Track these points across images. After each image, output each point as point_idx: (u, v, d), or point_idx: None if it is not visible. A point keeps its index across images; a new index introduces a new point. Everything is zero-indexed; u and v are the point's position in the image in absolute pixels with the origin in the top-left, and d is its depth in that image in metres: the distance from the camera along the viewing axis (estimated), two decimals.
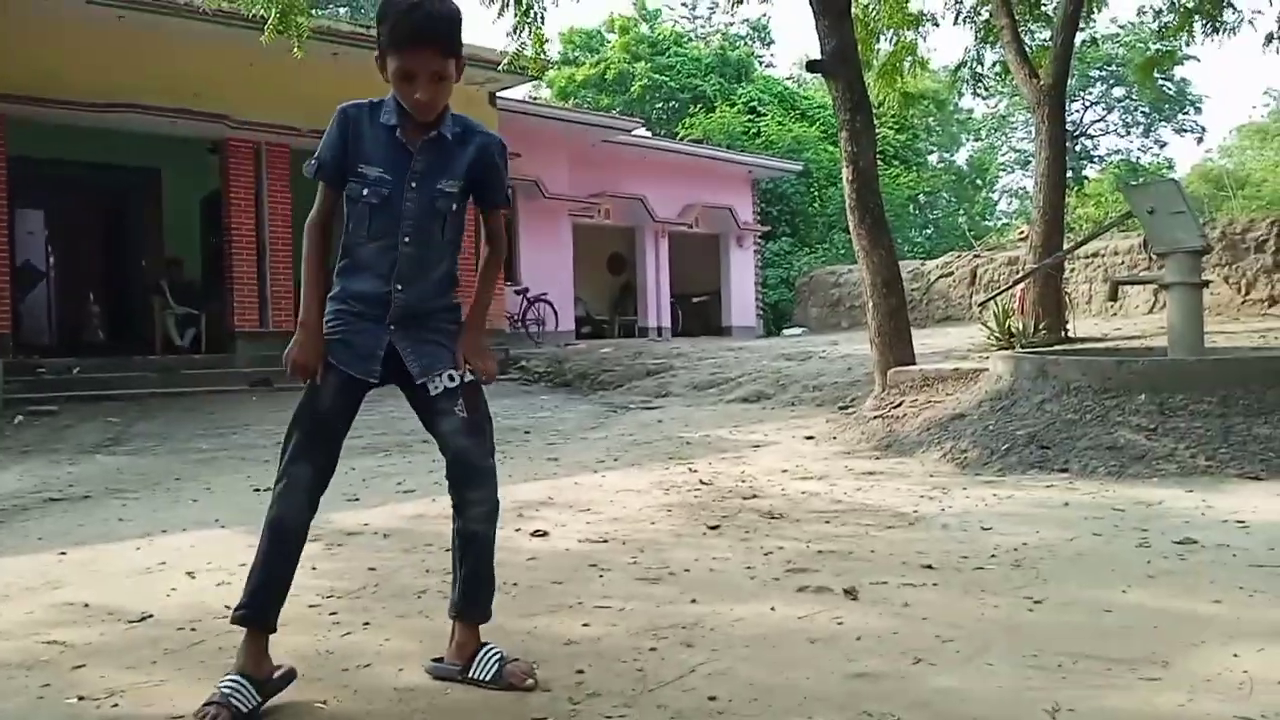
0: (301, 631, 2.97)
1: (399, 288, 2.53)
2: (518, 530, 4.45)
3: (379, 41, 2.51)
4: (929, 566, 3.61)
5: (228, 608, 3.24)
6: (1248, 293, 12.68)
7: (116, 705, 2.43)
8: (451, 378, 2.56)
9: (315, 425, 2.51)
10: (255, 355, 11.53)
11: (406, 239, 2.52)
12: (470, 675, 2.52)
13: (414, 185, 2.51)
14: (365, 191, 2.50)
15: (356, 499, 5.28)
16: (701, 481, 5.65)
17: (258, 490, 5.64)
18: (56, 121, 11.71)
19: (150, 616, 3.20)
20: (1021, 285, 10.99)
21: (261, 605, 2.46)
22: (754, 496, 5.14)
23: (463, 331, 2.62)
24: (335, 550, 4.11)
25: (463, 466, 2.57)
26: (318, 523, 4.66)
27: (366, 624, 3.08)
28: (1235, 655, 2.57)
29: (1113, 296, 9.10)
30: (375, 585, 3.55)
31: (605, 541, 4.20)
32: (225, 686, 2.33)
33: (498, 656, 2.54)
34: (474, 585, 2.62)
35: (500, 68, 11.67)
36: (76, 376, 10.84)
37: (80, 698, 2.49)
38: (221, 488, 5.86)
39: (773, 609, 3.15)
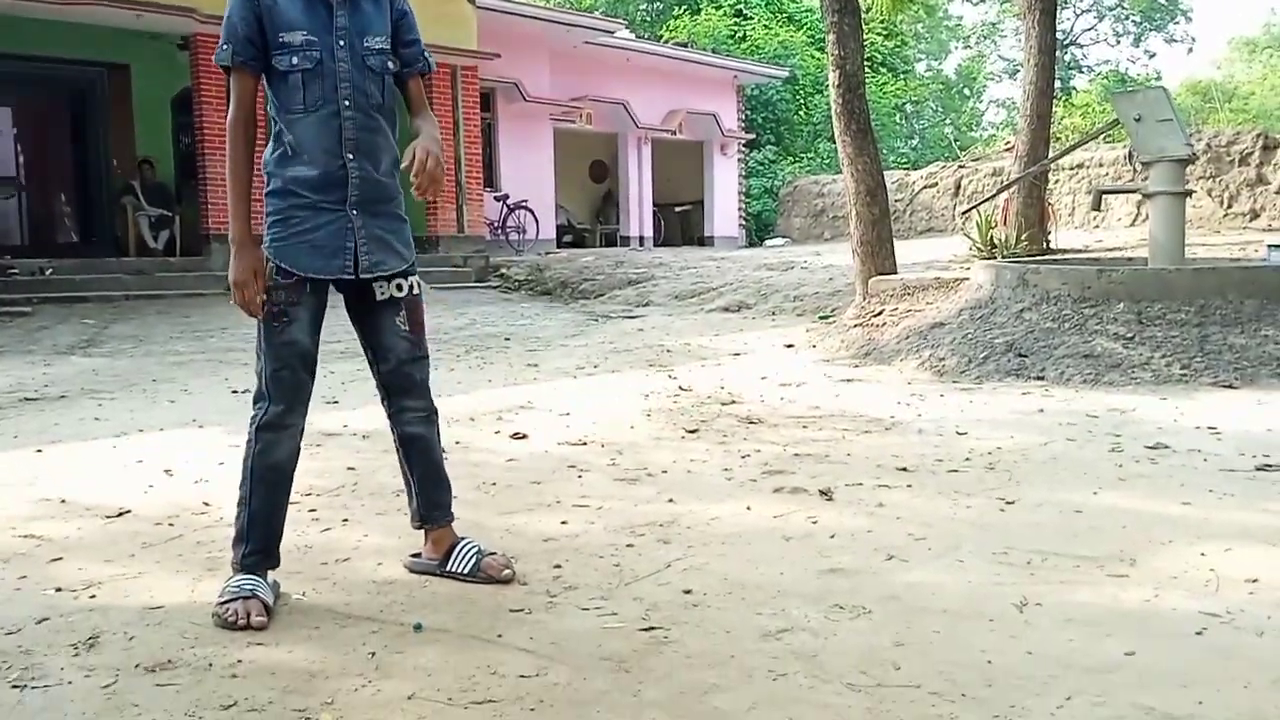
0: None
1: (351, 158, 2.34)
2: (497, 433, 4.46)
3: None
4: (904, 469, 3.65)
5: (206, 504, 3.27)
6: (1230, 206, 12.67)
7: (94, 596, 2.44)
8: (399, 287, 2.45)
9: (290, 357, 2.36)
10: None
11: (347, 103, 2.33)
12: (448, 569, 2.54)
13: (342, 43, 2.33)
14: (295, 60, 2.29)
15: (335, 401, 5.27)
16: (681, 388, 5.66)
17: (235, 392, 5.61)
18: (20, 14, 11.30)
19: (128, 512, 3.20)
20: (1005, 195, 10.93)
21: (268, 548, 2.41)
22: (732, 402, 5.16)
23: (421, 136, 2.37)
24: (314, 450, 4.11)
25: (401, 380, 2.51)
26: None
27: (345, 520, 3.09)
28: (1202, 554, 2.63)
29: (1096, 206, 9.05)
30: (354, 484, 3.56)
31: (584, 444, 4.22)
32: (246, 582, 2.32)
33: (475, 550, 2.55)
34: (428, 487, 2.60)
35: None
36: (50, 278, 10.68)
37: (58, 589, 2.49)
38: (199, 389, 5.83)
39: (748, 509, 3.18)
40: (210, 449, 4.12)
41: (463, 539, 2.59)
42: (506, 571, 2.51)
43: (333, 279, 2.40)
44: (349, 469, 3.77)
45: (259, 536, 2.38)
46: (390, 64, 2.42)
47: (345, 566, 2.66)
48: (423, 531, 2.61)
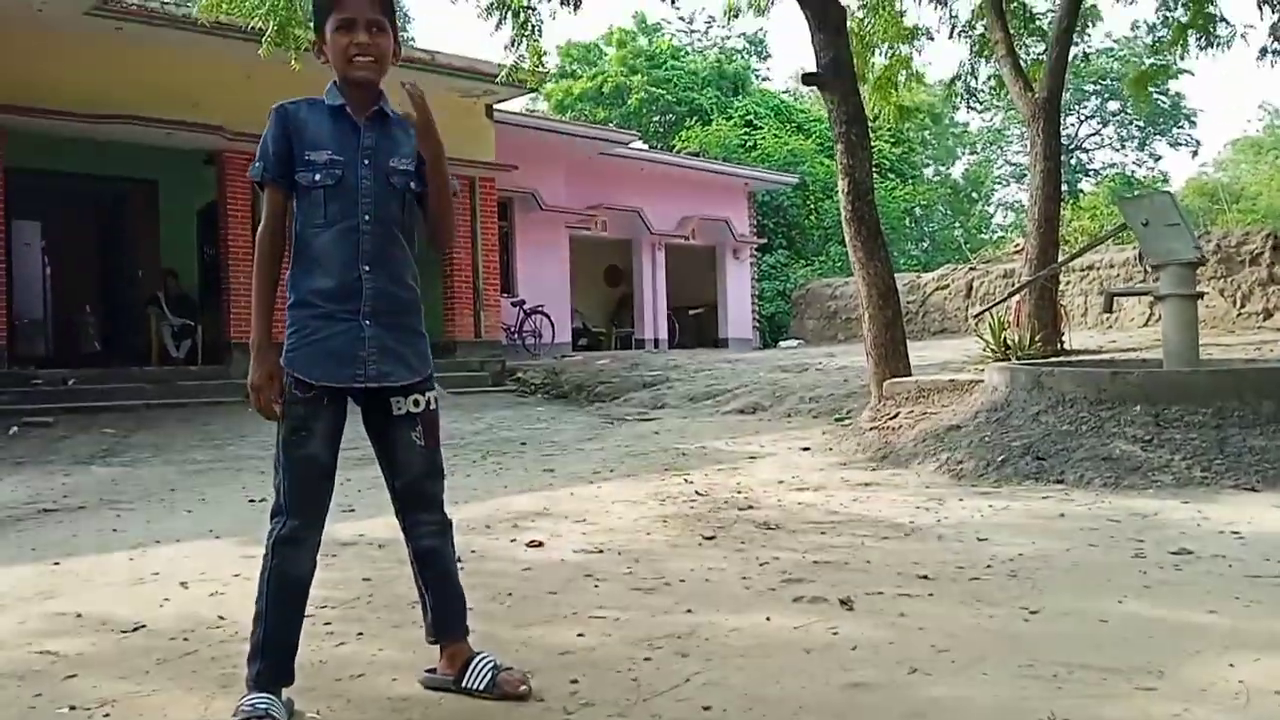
0: None
1: (367, 269, 2.38)
2: (513, 541, 4.45)
3: (316, 27, 2.49)
4: (925, 577, 3.61)
5: (221, 618, 3.26)
6: (1243, 305, 12.71)
7: (108, 715, 2.42)
8: (416, 402, 2.47)
9: (306, 467, 2.38)
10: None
11: (367, 218, 2.39)
12: (464, 685, 2.51)
13: (366, 162, 2.41)
14: (317, 176, 2.38)
15: (352, 509, 5.27)
16: (697, 492, 5.64)
17: (253, 501, 5.62)
18: (53, 133, 11.72)
19: (143, 626, 3.19)
20: (1017, 297, 11.02)
21: (282, 664, 2.38)
22: (750, 507, 5.14)
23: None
24: (330, 561, 4.09)
25: (417, 496, 2.53)
26: None
27: (360, 634, 3.07)
28: (1231, 665, 2.57)
29: (1108, 308, 9.11)
30: (370, 595, 3.54)
31: (600, 552, 4.19)
32: (260, 701, 2.29)
33: (491, 665, 2.52)
34: (443, 602, 2.59)
35: (498, 80, 11.70)
36: (72, 388, 10.82)
37: (72, 707, 2.47)
38: (216, 498, 5.84)
39: (768, 619, 3.14)
40: (226, 560, 4.11)
41: (479, 653, 2.57)
42: (523, 687, 2.48)
43: (347, 388, 2.42)
44: (365, 580, 3.76)
45: (274, 652, 2.37)
46: (413, 184, 2.50)
47: (360, 683, 2.63)
48: (438, 646, 2.59)
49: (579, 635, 3.03)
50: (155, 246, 14.62)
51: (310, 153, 2.40)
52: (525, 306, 16.46)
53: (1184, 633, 2.85)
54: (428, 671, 2.60)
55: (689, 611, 3.25)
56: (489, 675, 2.50)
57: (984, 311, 10.86)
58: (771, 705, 2.40)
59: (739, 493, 5.59)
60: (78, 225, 15.26)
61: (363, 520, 4.96)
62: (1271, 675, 2.49)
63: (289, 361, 2.40)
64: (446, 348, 13.80)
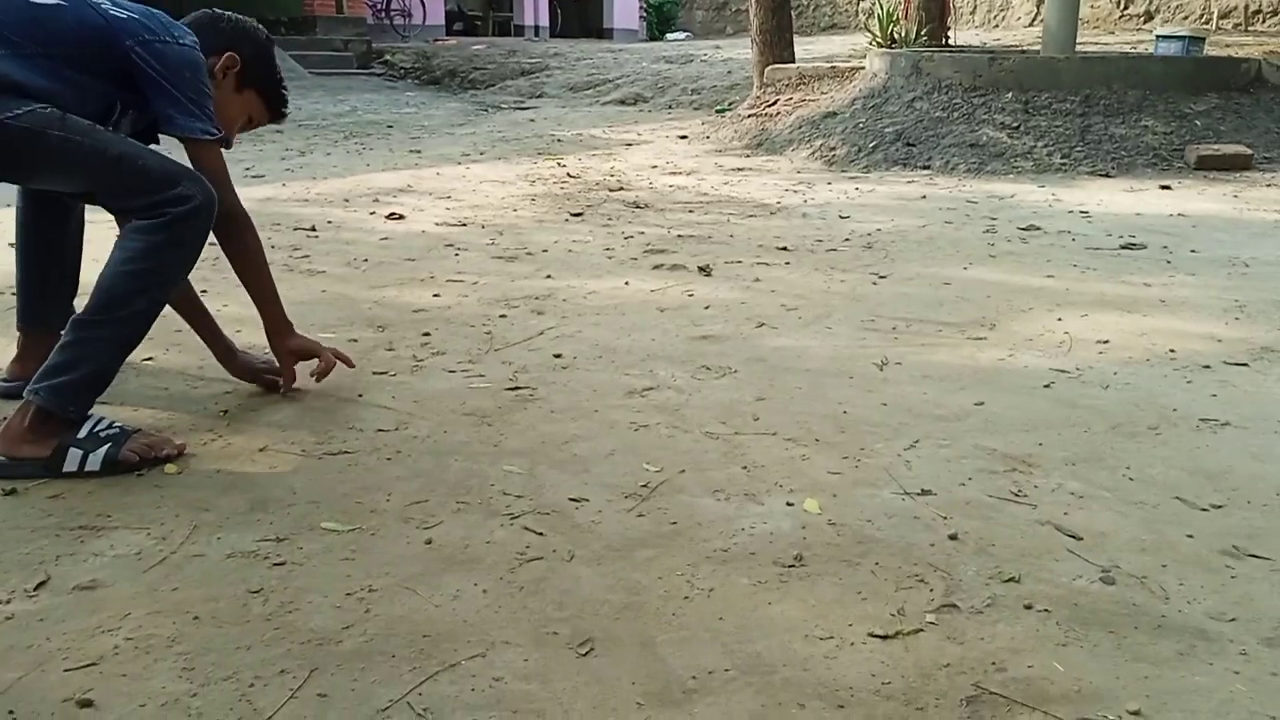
0: None
1: None
2: (372, 214, 4.29)
3: (248, 75, 2.05)
4: (784, 249, 3.65)
5: None
6: (1126, 6, 12.65)
7: None
8: None
9: None
10: None
11: None
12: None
13: None
14: None
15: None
16: (569, 175, 5.52)
17: None
18: None
19: None
20: None
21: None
22: (620, 189, 5.06)
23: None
24: None
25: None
26: None
27: (204, 291, 2.94)
28: (1059, 319, 2.71)
29: None
30: (215, 258, 3.37)
31: (464, 225, 4.09)
32: None
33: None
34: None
35: None
36: None
37: None
38: None
39: (626, 283, 3.15)
40: None
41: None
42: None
43: None
44: (210, 244, 3.58)
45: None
46: None
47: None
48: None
49: (435, 296, 2.98)
50: None
51: None
52: None
53: (1020, 293, 2.98)
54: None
55: (548, 277, 3.23)
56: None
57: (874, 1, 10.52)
58: (620, 354, 2.44)
59: (611, 176, 5.49)
60: None
61: None
62: (1095, 327, 2.63)
63: None
64: (304, 24, 12.75)
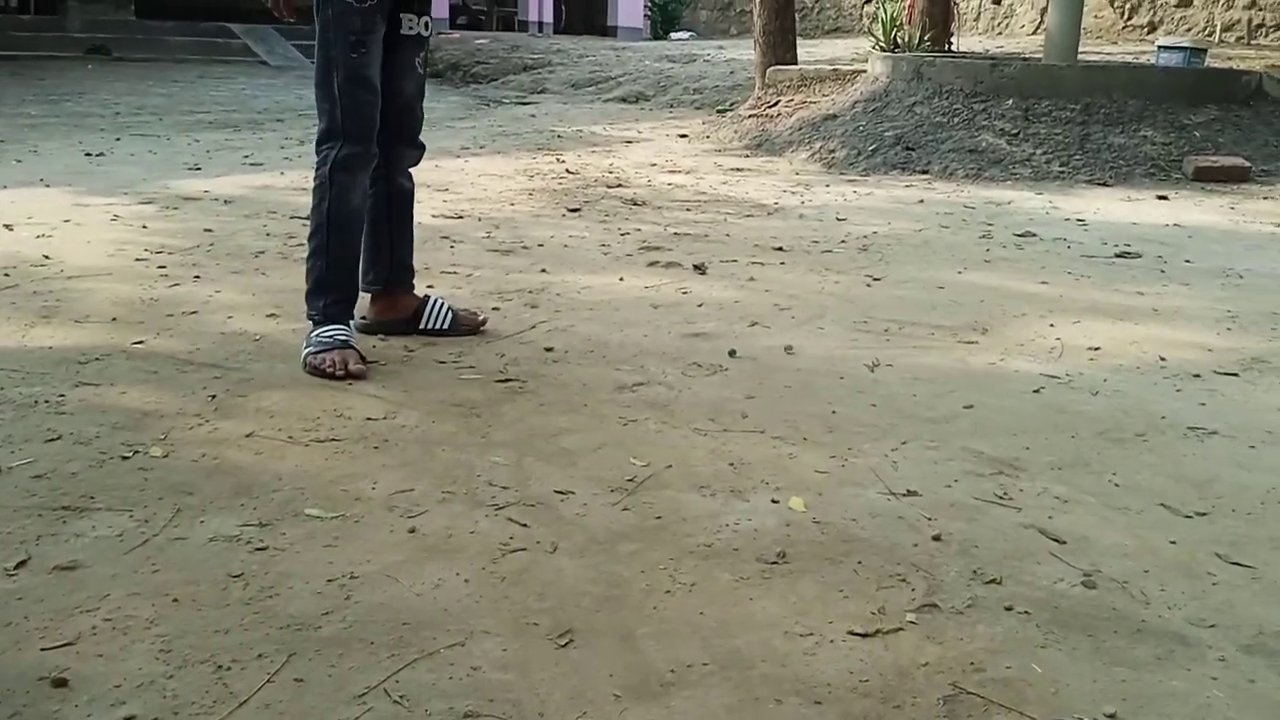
0: (125, 281, 2.83)
1: None
2: None
3: None
4: (780, 249, 3.65)
5: (46, 258, 3.08)
6: (1130, 17, 12.65)
7: None
8: (426, 25, 2.35)
9: (366, 88, 2.21)
10: (89, 19, 10.46)
11: None
12: (424, 326, 2.47)
13: None
14: None
15: (198, 169, 4.98)
16: (568, 171, 5.51)
17: (89, 155, 5.25)
18: None
19: None
20: None
21: (351, 296, 2.30)
22: (619, 186, 5.06)
23: None
24: (170, 213, 3.89)
25: (412, 120, 2.41)
26: (153, 188, 4.41)
27: (197, 277, 2.95)
28: (1052, 325, 2.71)
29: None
30: (210, 244, 3.39)
31: (460, 218, 4.09)
32: (338, 332, 2.21)
33: (449, 306, 2.52)
34: (408, 250, 2.53)
35: None
36: None
37: None
38: (49, 151, 5.42)
39: (621, 279, 3.15)
40: (56, 207, 3.85)
41: (430, 296, 2.53)
42: (482, 316, 2.57)
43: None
44: (206, 230, 3.58)
45: (343, 284, 2.28)
46: None
47: (192, 319, 2.54)
48: (367, 296, 2.48)
49: (429, 287, 2.97)
50: None
51: None
52: None
53: (1014, 299, 2.98)
54: (363, 318, 2.47)
55: (544, 271, 3.23)
56: (448, 314, 2.49)
57: (879, 3, 10.52)
58: (612, 349, 2.44)
59: (610, 173, 5.48)
60: None
61: (209, 179, 4.69)
62: (1086, 334, 2.64)
63: None
64: (306, 11, 12.70)
